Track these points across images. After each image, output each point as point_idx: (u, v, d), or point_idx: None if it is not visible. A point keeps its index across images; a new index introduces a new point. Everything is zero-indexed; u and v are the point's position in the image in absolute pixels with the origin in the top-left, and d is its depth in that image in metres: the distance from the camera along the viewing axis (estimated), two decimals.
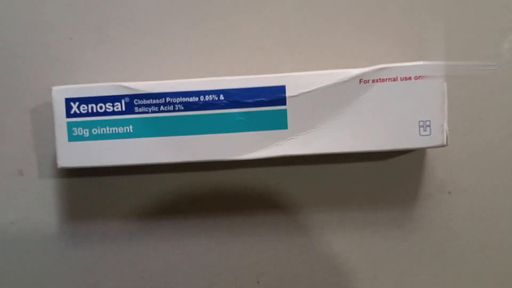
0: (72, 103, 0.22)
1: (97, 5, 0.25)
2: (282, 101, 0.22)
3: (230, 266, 0.25)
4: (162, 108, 0.22)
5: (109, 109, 0.22)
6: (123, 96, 0.22)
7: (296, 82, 0.22)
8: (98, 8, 0.25)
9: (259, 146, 0.22)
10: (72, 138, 0.22)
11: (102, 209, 0.25)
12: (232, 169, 0.25)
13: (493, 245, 0.25)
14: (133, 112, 0.22)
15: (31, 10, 0.25)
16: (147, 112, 0.22)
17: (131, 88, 0.22)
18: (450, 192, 0.25)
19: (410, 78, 0.21)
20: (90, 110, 0.22)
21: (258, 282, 0.25)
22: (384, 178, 0.25)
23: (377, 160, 0.25)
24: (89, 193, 0.25)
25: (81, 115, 0.22)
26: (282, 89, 0.22)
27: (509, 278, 0.25)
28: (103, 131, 0.22)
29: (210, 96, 0.22)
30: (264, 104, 0.22)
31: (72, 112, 0.22)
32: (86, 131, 0.22)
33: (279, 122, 0.22)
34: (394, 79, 0.21)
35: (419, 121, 0.21)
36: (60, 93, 0.22)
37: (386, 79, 0.21)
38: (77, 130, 0.22)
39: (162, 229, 0.25)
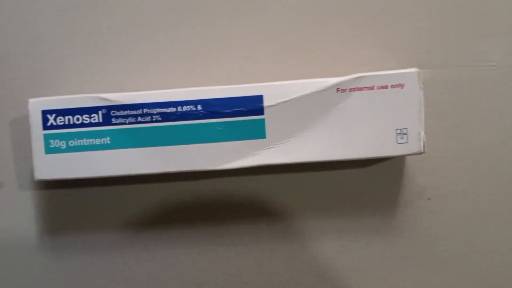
0: (48, 115, 0.22)
1: (76, 17, 0.25)
2: (260, 110, 0.22)
3: (213, 276, 0.25)
4: (139, 119, 0.22)
5: (86, 120, 0.22)
6: (100, 108, 0.22)
7: (274, 91, 0.22)
8: (76, 20, 0.25)
9: (238, 156, 0.22)
10: (49, 150, 0.22)
11: (82, 220, 0.25)
12: (213, 179, 0.25)
13: (474, 250, 0.25)
14: (111, 124, 0.22)
15: (10, 22, 0.25)
16: (125, 123, 0.22)
17: (108, 99, 0.22)
18: (430, 198, 0.25)
19: (387, 87, 0.21)
20: (67, 122, 0.22)
21: None
22: (364, 186, 0.25)
23: (357, 167, 0.25)
24: (69, 204, 0.25)
25: (58, 127, 0.22)
26: (259, 98, 0.22)
27: (492, 282, 0.25)
28: (80, 142, 0.22)
29: (188, 106, 0.22)
30: (243, 114, 0.22)
31: (48, 124, 0.22)
32: (63, 143, 0.22)
33: (258, 132, 0.22)
34: (371, 88, 0.21)
35: (396, 129, 0.21)
36: (36, 105, 0.22)
37: (363, 87, 0.21)
38: (54, 142, 0.22)
39: (144, 240, 0.25)
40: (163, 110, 0.22)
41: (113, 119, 0.22)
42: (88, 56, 0.25)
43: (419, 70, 0.21)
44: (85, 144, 0.22)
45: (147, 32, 0.25)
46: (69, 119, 0.22)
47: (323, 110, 0.22)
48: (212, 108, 0.22)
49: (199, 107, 0.22)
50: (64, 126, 0.22)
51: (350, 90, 0.21)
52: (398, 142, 0.21)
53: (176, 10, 0.25)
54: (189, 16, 0.25)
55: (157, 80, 0.25)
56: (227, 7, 0.25)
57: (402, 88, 0.21)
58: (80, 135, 0.22)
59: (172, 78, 0.25)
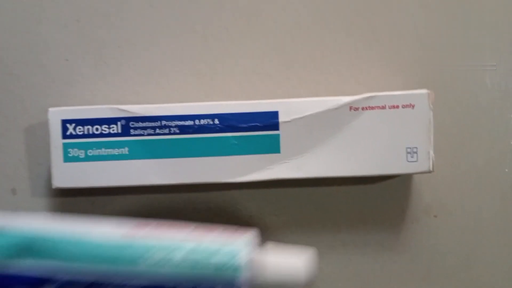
0: (68, 125, 0.23)
1: (94, 28, 0.25)
2: (275, 126, 0.22)
3: None
4: (157, 130, 0.22)
5: (105, 131, 0.22)
6: (119, 119, 0.22)
7: (289, 108, 0.22)
8: (95, 30, 0.25)
9: (252, 169, 0.22)
10: (67, 159, 0.22)
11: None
12: (226, 191, 0.25)
13: (478, 266, 0.26)
14: (129, 135, 0.22)
15: (28, 31, 0.25)
16: (143, 135, 0.22)
17: (127, 111, 0.22)
18: (436, 215, 0.26)
19: (398, 107, 0.22)
20: (86, 132, 0.23)
21: None
22: (372, 202, 0.25)
23: (365, 184, 0.25)
24: (81, 212, 0.25)
25: (77, 136, 0.23)
26: (275, 114, 0.22)
27: None
28: (99, 152, 0.22)
29: (205, 120, 0.22)
30: (258, 129, 0.22)
31: (68, 133, 0.23)
32: (81, 152, 0.22)
33: (272, 146, 0.22)
34: (383, 107, 0.22)
35: (407, 148, 0.22)
36: (56, 114, 0.23)
37: (375, 106, 0.22)
38: (73, 151, 0.22)
39: None
40: (181, 123, 0.22)
41: (131, 130, 0.22)
42: (102, 67, 0.25)
43: (429, 91, 0.22)
44: (103, 154, 0.22)
45: (163, 46, 0.25)
46: (88, 129, 0.23)
47: (336, 127, 0.22)
48: (229, 122, 0.22)
49: (216, 121, 0.22)
50: (83, 136, 0.22)
51: (363, 108, 0.22)
52: (408, 160, 0.22)
53: (193, 25, 0.25)
54: (205, 32, 0.25)
55: (171, 93, 0.25)
56: (241, 26, 0.25)
57: (412, 108, 0.22)
58: (99, 145, 0.22)
59: (185, 92, 0.25)
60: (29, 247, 0.14)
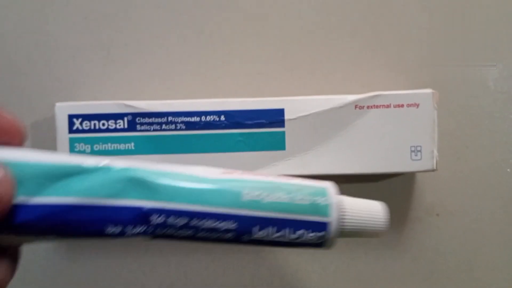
0: (75, 119, 0.23)
1: (101, 26, 0.25)
2: (281, 123, 0.22)
3: (226, 283, 0.26)
4: (164, 126, 0.23)
5: (111, 126, 0.23)
6: (126, 114, 0.23)
7: (295, 105, 0.23)
8: (102, 28, 0.25)
9: (257, 166, 0.23)
10: (74, 153, 0.22)
11: None
12: None
13: (480, 266, 0.26)
14: (135, 130, 0.22)
15: (36, 29, 0.25)
16: (149, 130, 0.22)
17: (134, 107, 0.22)
18: (438, 214, 0.26)
19: (403, 106, 0.22)
20: (92, 127, 0.23)
21: None
22: (375, 200, 0.26)
23: (368, 182, 0.26)
24: None
25: (83, 131, 0.23)
26: (281, 112, 0.23)
27: None
28: (105, 147, 0.23)
29: (211, 116, 0.23)
30: (264, 126, 0.22)
31: (74, 128, 0.23)
32: (88, 147, 0.23)
33: (278, 143, 0.22)
34: (388, 106, 0.22)
35: (411, 146, 0.22)
36: (63, 109, 0.23)
37: (380, 105, 0.22)
38: (79, 146, 0.23)
39: (159, 246, 0.26)
40: (187, 119, 0.22)
41: (138, 126, 0.23)
42: (109, 65, 0.25)
43: (433, 91, 0.22)
44: (109, 148, 0.22)
45: (169, 46, 0.25)
46: (94, 124, 0.23)
47: (341, 126, 0.22)
48: (235, 119, 0.22)
49: (222, 118, 0.23)
50: (89, 131, 0.23)
51: (368, 107, 0.22)
52: (412, 159, 0.22)
53: (200, 25, 0.26)
54: (211, 31, 0.26)
55: (177, 92, 0.25)
56: (248, 26, 0.26)
57: (417, 107, 0.22)
58: (105, 140, 0.23)
59: (191, 91, 0.26)
60: (133, 183, 0.15)
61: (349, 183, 0.26)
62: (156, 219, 0.15)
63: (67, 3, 0.25)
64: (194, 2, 0.26)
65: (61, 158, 0.15)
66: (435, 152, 0.22)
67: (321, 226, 0.16)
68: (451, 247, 0.26)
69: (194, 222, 0.15)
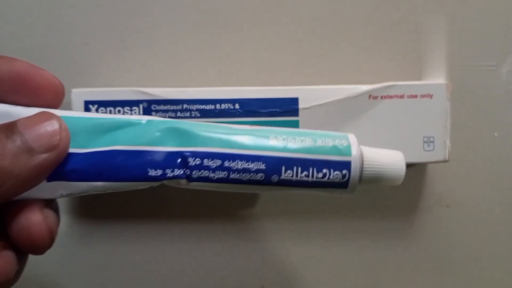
0: (91, 106, 0.23)
1: (115, 13, 0.26)
2: (295, 112, 0.23)
3: (235, 270, 0.26)
4: (179, 114, 0.23)
5: (127, 112, 0.23)
6: (141, 101, 0.23)
7: (309, 95, 0.23)
8: (116, 15, 0.26)
9: None
10: None
11: (111, 210, 0.26)
12: None
13: (489, 257, 0.26)
14: None
15: (50, 15, 0.25)
16: (164, 118, 0.23)
17: (149, 94, 0.23)
18: (448, 205, 0.26)
19: (416, 96, 0.23)
20: (108, 113, 0.23)
21: (262, 286, 0.26)
22: (385, 190, 0.26)
23: None
24: (99, 194, 0.26)
25: None
26: (295, 101, 0.23)
27: None
28: None
29: (226, 104, 0.23)
30: (278, 115, 0.23)
31: None
32: None
33: None
34: (401, 96, 0.23)
35: (424, 137, 0.23)
36: (79, 95, 0.23)
37: (394, 96, 0.23)
38: None
39: (170, 232, 0.26)
40: (202, 106, 0.23)
41: (153, 113, 0.23)
42: (122, 51, 0.26)
43: (447, 82, 0.23)
44: None
45: (182, 32, 0.26)
46: (110, 111, 0.23)
47: (355, 115, 0.23)
48: (249, 107, 0.23)
49: (237, 106, 0.23)
50: None
51: (381, 97, 0.23)
52: (425, 149, 0.23)
53: (214, 14, 0.26)
54: (226, 18, 0.26)
55: (191, 80, 0.26)
56: (263, 15, 0.26)
57: (430, 98, 0.23)
58: None
59: (205, 79, 0.26)
60: (172, 132, 0.17)
61: None
62: (192, 162, 0.16)
63: None
64: None
65: (106, 115, 0.17)
66: (448, 143, 0.23)
67: (344, 165, 0.17)
68: (460, 237, 0.26)
69: (227, 163, 0.17)
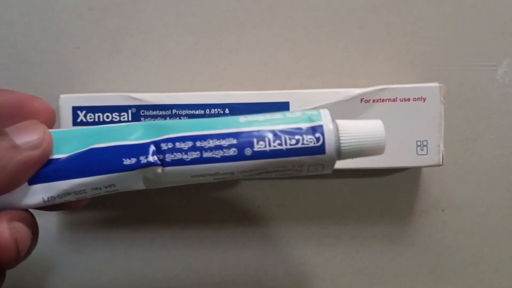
0: (79, 112, 0.23)
1: (107, 17, 0.25)
2: None
3: (230, 276, 0.26)
4: (168, 119, 0.22)
5: (115, 118, 0.22)
6: (130, 107, 0.23)
7: (300, 98, 0.22)
8: (108, 19, 0.25)
9: None
10: None
11: (103, 216, 0.26)
12: (235, 181, 0.25)
13: (485, 261, 0.26)
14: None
15: (42, 19, 0.25)
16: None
17: (138, 99, 0.22)
18: (444, 209, 0.26)
19: (409, 99, 0.22)
20: (96, 119, 0.23)
21: None
22: (381, 194, 0.25)
23: (374, 176, 0.25)
24: (90, 200, 0.26)
25: (87, 123, 0.23)
26: (286, 105, 0.22)
27: None
28: None
29: (215, 109, 0.22)
30: None
31: (78, 120, 0.23)
32: None
33: None
34: (394, 100, 0.22)
35: (417, 141, 0.22)
36: (67, 101, 0.23)
37: (386, 99, 0.22)
38: None
39: (163, 238, 0.26)
40: (192, 111, 0.22)
41: (142, 118, 0.22)
42: (114, 56, 0.25)
43: (440, 84, 0.22)
44: None
45: (174, 36, 0.25)
46: (98, 116, 0.23)
47: (347, 119, 0.22)
48: (239, 112, 0.22)
49: (227, 111, 0.22)
50: (93, 123, 0.22)
51: (374, 101, 0.22)
52: (418, 153, 0.22)
53: (206, 17, 0.25)
54: (216, 23, 0.25)
55: (183, 83, 0.25)
56: (254, 17, 0.25)
57: (423, 101, 0.22)
58: None
59: (197, 83, 0.25)
60: (146, 127, 0.17)
61: (354, 177, 0.25)
62: (165, 146, 0.17)
63: None
64: None
65: (90, 127, 0.18)
66: (442, 146, 0.22)
67: (316, 129, 0.17)
68: (457, 241, 0.26)
69: (199, 143, 0.17)
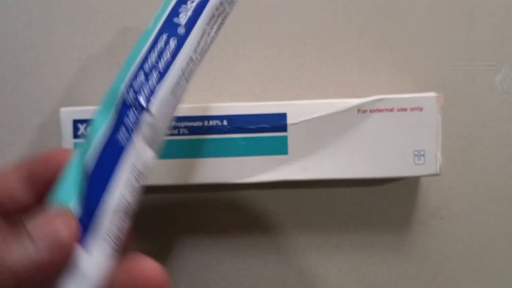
0: (79, 125, 0.23)
1: (107, 29, 0.26)
2: (283, 128, 0.22)
3: (228, 285, 0.26)
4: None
5: None
6: None
7: (297, 110, 0.22)
8: (108, 31, 0.26)
9: (260, 170, 0.23)
10: None
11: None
12: (234, 191, 0.26)
13: (485, 269, 0.26)
14: None
15: (42, 32, 0.26)
16: None
17: None
18: (442, 217, 0.26)
19: (406, 109, 0.22)
20: None
21: None
22: (379, 203, 0.26)
23: (373, 185, 0.26)
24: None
25: None
26: (283, 116, 0.22)
27: None
28: None
29: (214, 121, 0.23)
30: (266, 130, 0.22)
31: (79, 133, 0.23)
32: None
33: (280, 148, 0.23)
34: (391, 110, 0.22)
35: (414, 151, 0.22)
36: (68, 114, 0.23)
37: (383, 109, 0.22)
38: None
39: (160, 248, 0.26)
40: (190, 124, 0.23)
41: None
42: (114, 68, 0.26)
43: (437, 94, 0.22)
44: None
45: None
46: None
47: (344, 130, 0.22)
48: (237, 123, 0.23)
49: (225, 122, 0.23)
50: None
51: (371, 111, 0.22)
52: (415, 163, 0.22)
53: None
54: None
55: None
56: (252, 28, 0.26)
57: (421, 111, 0.22)
58: None
59: (195, 94, 0.26)
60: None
61: (353, 187, 0.26)
62: (129, 96, 0.16)
63: (73, 7, 0.26)
64: None
65: None
66: (439, 156, 0.22)
67: None
68: (455, 250, 0.26)
69: (147, 66, 0.17)
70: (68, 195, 0.16)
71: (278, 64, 0.25)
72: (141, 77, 0.17)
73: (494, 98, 0.25)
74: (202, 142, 0.23)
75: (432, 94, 0.22)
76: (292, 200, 0.26)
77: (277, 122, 0.22)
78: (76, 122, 0.23)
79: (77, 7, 0.26)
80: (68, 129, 0.23)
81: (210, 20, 0.19)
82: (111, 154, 0.16)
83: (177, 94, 0.17)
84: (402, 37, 0.25)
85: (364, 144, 0.22)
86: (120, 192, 0.16)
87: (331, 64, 0.25)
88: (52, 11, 0.26)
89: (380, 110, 0.22)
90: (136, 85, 0.16)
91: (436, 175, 0.22)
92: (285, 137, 0.22)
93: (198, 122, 0.23)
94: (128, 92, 0.16)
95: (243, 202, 0.26)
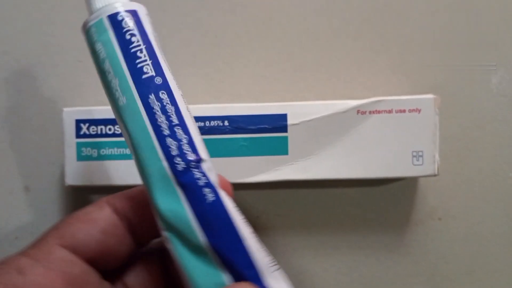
0: (82, 124, 0.23)
1: None
2: (284, 128, 0.23)
3: None
4: None
5: (118, 131, 0.23)
6: None
7: (297, 111, 0.23)
8: None
9: (260, 170, 0.23)
10: (80, 157, 0.23)
11: None
12: (234, 191, 0.26)
13: (482, 270, 0.26)
14: None
15: (43, 33, 0.26)
16: None
17: None
18: (440, 218, 0.26)
19: (404, 111, 0.23)
20: (99, 132, 0.23)
21: None
22: (377, 204, 0.26)
23: (371, 186, 0.26)
24: None
25: (90, 136, 0.23)
26: (284, 117, 0.23)
27: None
28: (111, 152, 0.23)
29: (215, 121, 0.23)
30: (267, 131, 0.23)
31: (81, 133, 0.23)
32: (94, 152, 0.23)
33: (280, 148, 0.23)
34: (390, 111, 0.23)
35: (412, 151, 0.23)
36: (70, 114, 0.23)
37: (382, 110, 0.23)
38: (86, 150, 0.23)
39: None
40: None
41: None
42: None
43: (435, 96, 0.23)
44: (116, 153, 0.23)
45: (174, 49, 0.26)
46: (101, 129, 0.23)
47: (343, 131, 0.23)
48: (238, 124, 0.23)
49: (226, 123, 0.23)
50: (96, 135, 0.23)
51: (370, 112, 0.23)
52: (414, 164, 0.23)
53: (204, 29, 0.26)
54: (216, 36, 0.26)
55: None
56: (252, 30, 0.26)
57: (418, 112, 0.23)
58: (112, 145, 0.23)
59: (196, 95, 0.26)
60: None
61: (351, 187, 0.26)
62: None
63: (73, 8, 0.26)
64: (198, 5, 0.26)
65: None
66: (437, 157, 0.23)
67: None
68: (453, 251, 0.26)
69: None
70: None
71: (277, 66, 0.26)
72: (169, 140, 0.16)
73: (490, 100, 0.26)
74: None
75: (429, 96, 0.23)
76: (291, 200, 0.26)
77: (278, 122, 0.23)
78: (78, 122, 0.23)
79: (78, 7, 0.26)
80: (70, 128, 0.23)
81: (156, 39, 0.19)
82: (217, 212, 0.17)
83: (195, 124, 0.18)
84: (399, 40, 0.26)
85: (363, 144, 0.23)
86: (248, 232, 0.17)
87: (329, 66, 0.26)
88: (53, 11, 0.26)
89: (379, 112, 0.23)
90: (173, 151, 0.16)
91: (434, 175, 0.23)
92: (286, 138, 0.23)
93: (199, 123, 0.23)
94: (174, 163, 0.16)
95: (242, 203, 0.26)
